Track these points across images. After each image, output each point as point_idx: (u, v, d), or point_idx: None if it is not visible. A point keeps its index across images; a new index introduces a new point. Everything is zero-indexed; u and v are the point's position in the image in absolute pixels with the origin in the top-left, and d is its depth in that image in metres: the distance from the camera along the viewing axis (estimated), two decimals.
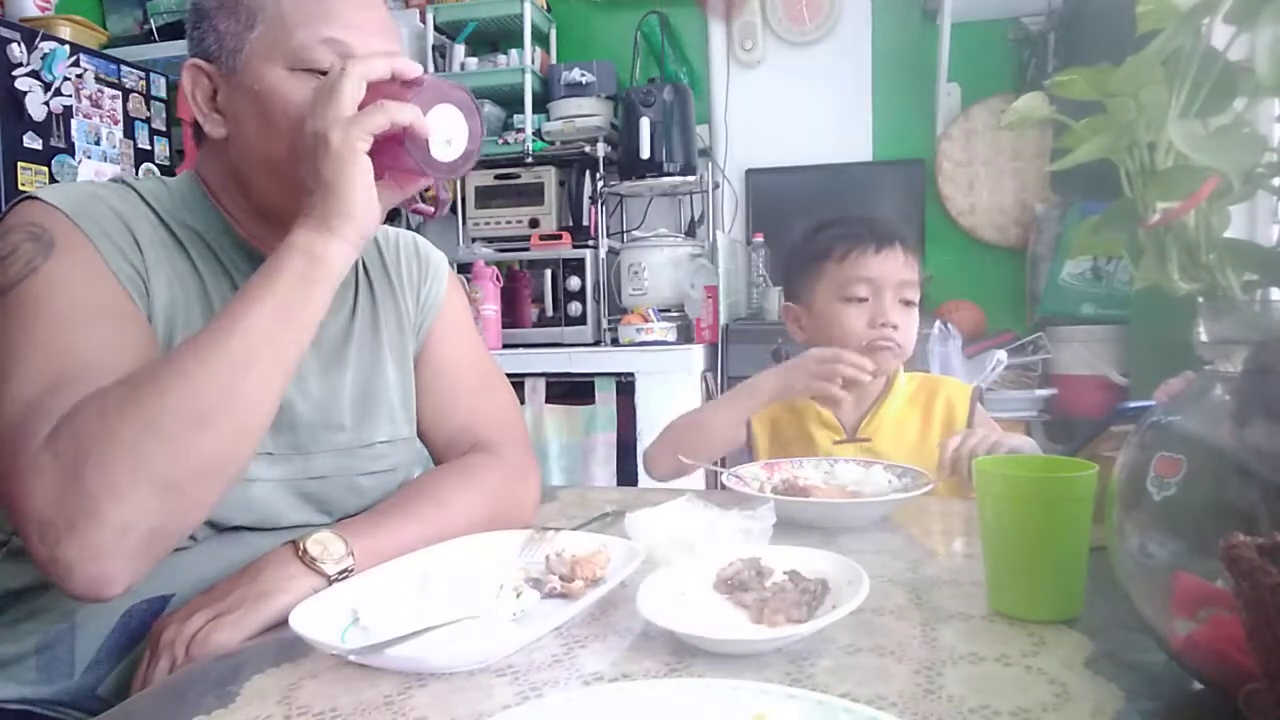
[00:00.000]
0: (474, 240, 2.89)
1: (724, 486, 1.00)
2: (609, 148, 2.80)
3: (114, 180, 0.83)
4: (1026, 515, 0.62)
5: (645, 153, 2.66)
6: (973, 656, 0.56)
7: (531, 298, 2.70)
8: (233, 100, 0.80)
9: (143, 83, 2.76)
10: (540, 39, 2.99)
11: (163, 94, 2.84)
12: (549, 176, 2.84)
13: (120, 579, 0.63)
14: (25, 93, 2.36)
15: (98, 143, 2.59)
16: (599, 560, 0.71)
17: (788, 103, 2.92)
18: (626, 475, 2.44)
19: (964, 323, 2.56)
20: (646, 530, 0.77)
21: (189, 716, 0.52)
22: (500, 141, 2.85)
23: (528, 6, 2.79)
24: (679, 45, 3.01)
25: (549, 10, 3.05)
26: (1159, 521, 0.49)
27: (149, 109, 2.79)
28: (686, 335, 2.61)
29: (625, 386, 2.47)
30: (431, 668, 0.57)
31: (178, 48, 2.97)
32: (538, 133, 2.83)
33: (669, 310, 2.68)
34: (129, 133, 2.71)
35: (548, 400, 2.52)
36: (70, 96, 2.49)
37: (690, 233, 2.93)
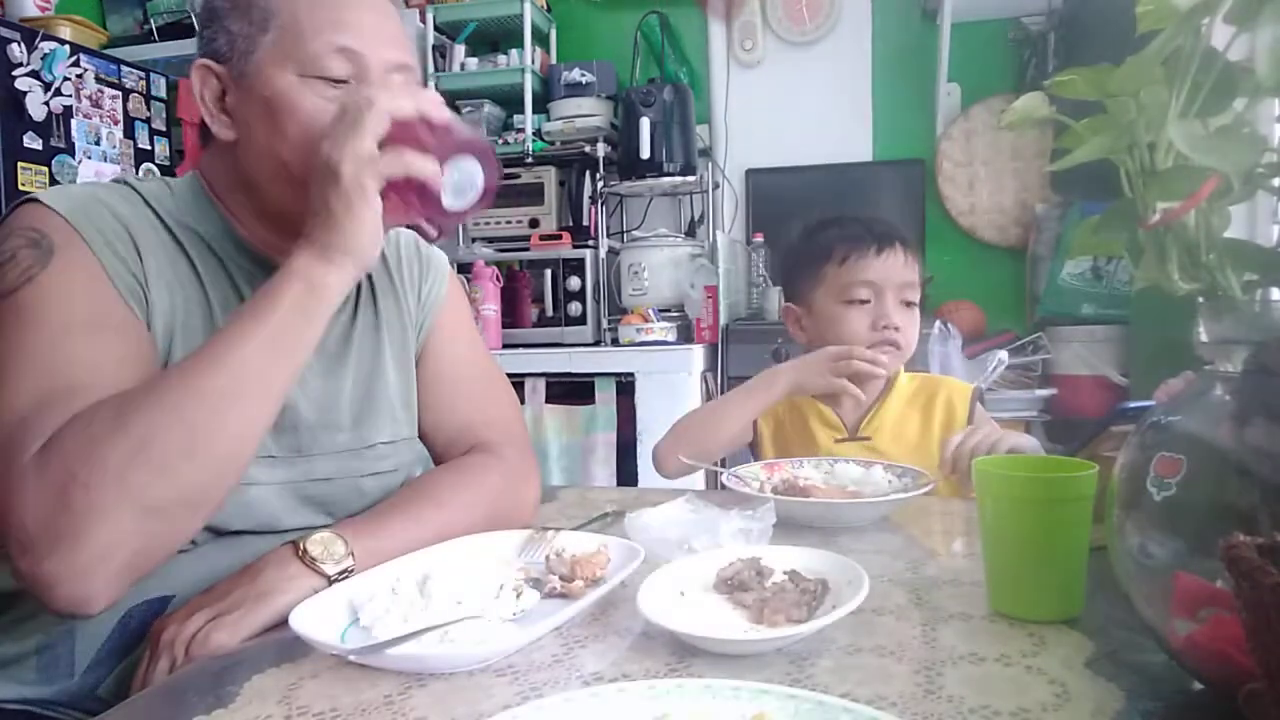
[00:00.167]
0: (474, 240, 2.89)
1: (724, 486, 1.00)
2: (609, 148, 2.80)
3: (116, 181, 0.82)
4: (1026, 515, 0.62)
5: (645, 153, 2.66)
6: (973, 656, 0.56)
7: (531, 298, 2.70)
8: (242, 103, 0.80)
9: (143, 83, 2.76)
10: (540, 39, 2.99)
11: (163, 94, 2.84)
12: (549, 176, 2.84)
13: (100, 598, 0.64)
14: (25, 93, 2.36)
15: (98, 143, 2.59)
16: (599, 560, 0.71)
17: (788, 103, 2.92)
18: (626, 475, 2.44)
19: (964, 323, 2.56)
20: (646, 530, 0.77)
21: (189, 716, 0.52)
22: (500, 141, 2.85)
23: (528, 6, 2.79)
24: (679, 45, 3.01)
25: (549, 10, 3.05)
26: (1159, 521, 0.49)
27: (149, 109, 2.79)
28: (686, 335, 2.61)
29: (625, 386, 2.47)
30: (431, 668, 0.57)
31: (177, 48, 2.97)
32: (538, 133, 2.83)
33: (669, 310, 2.68)
34: (129, 133, 2.71)
35: (548, 400, 2.52)
36: (70, 96, 2.49)
37: (690, 233, 2.93)
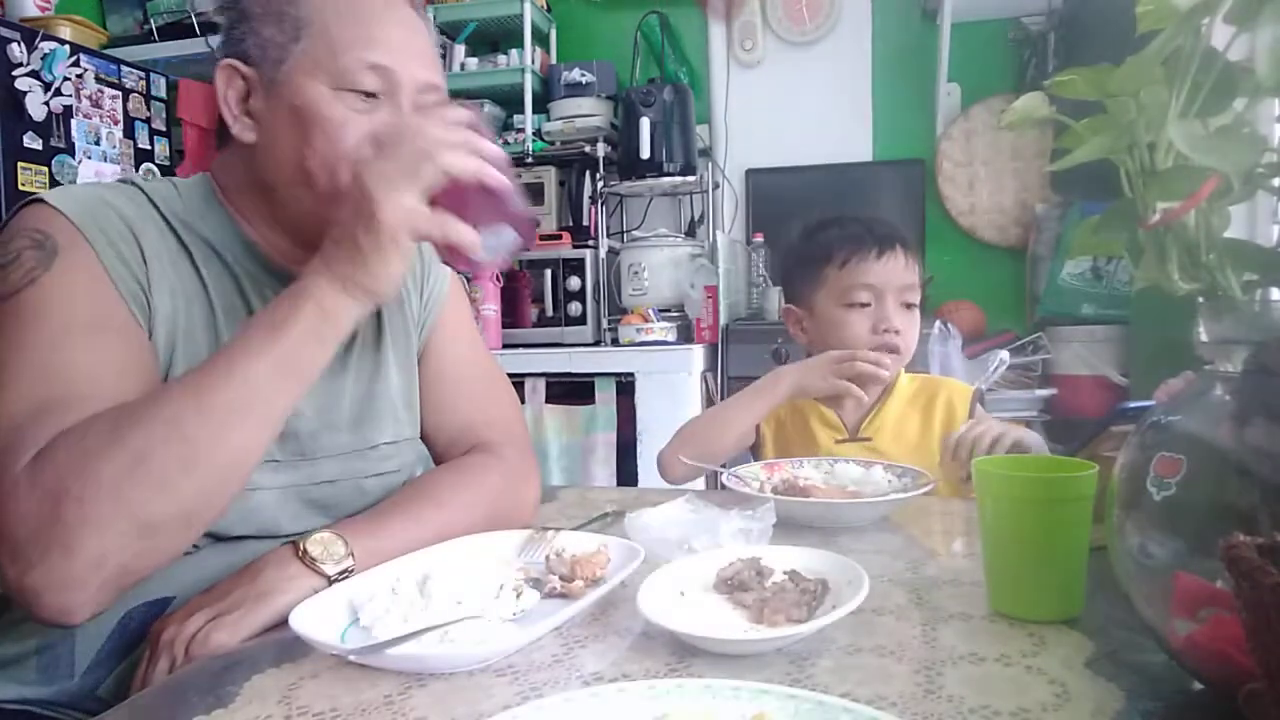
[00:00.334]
0: None
1: (724, 486, 1.00)
2: (609, 148, 2.80)
3: (123, 181, 0.82)
4: (1026, 515, 0.62)
5: (645, 153, 2.66)
6: (973, 656, 0.56)
7: (531, 298, 2.70)
8: (268, 108, 0.80)
9: (143, 83, 2.76)
10: (540, 39, 2.99)
11: (163, 94, 2.84)
12: (549, 176, 2.84)
13: (85, 610, 0.64)
14: (25, 93, 2.36)
15: (98, 143, 2.59)
16: (599, 560, 0.71)
17: (788, 103, 2.92)
18: (626, 475, 2.44)
19: (964, 323, 2.56)
20: (646, 530, 0.77)
21: (189, 716, 0.52)
22: (500, 141, 2.84)
23: (528, 6, 2.79)
24: (679, 45, 3.01)
25: (549, 10, 3.05)
26: (1159, 521, 0.49)
27: (149, 109, 2.79)
28: (686, 335, 2.61)
29: (625, 386, 2.47)
30: (431, 668, 0.57)
31: (177, 48, 2.97)
32: (538, 133, 2.84)
33: (669, 310, 2.68)
34: (129, 133, 2.71)
35: (548, 400, 2.52)
36: (70, 96, 2.49)
37: (690, 233, 2.93)
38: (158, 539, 0.65)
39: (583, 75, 2.84)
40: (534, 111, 2.83)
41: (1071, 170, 0.56)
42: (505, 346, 2.62)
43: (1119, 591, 0.52)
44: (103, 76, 2.62)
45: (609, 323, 2.72)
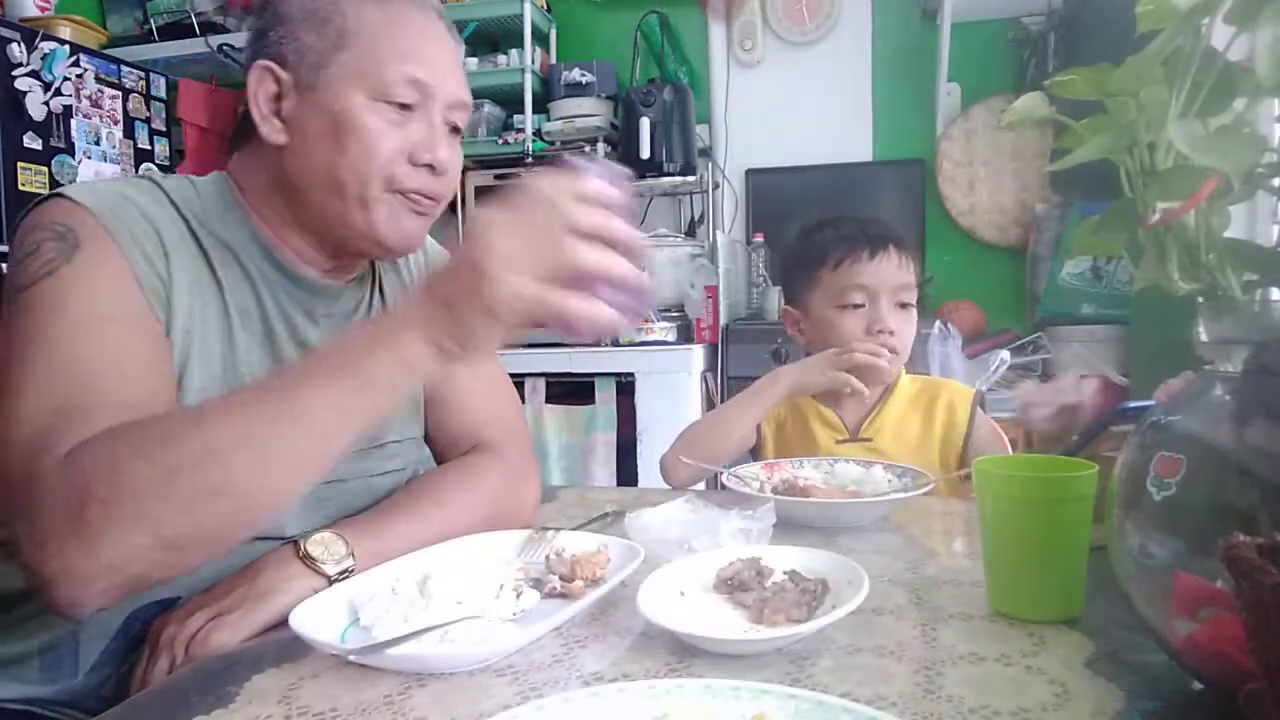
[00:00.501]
0: None
1: (724, 486, 1.00)
2: (609, 148, 2.80)
3: (142, 178, 0.82)
4: (1026, 515, 0.62)
5: (645, 153, 2.66)
6: (973, 656, 0.56)
7: None
8: (303, 112, 0.80)
9: (143, 83, 2.76)
10: (540, 39, 2.99)
11: (162, 94, 2.84)
12: None
13: (93, 606, 0.63)
14: (25, 93, 2.36)
15: (98, 143, 2.59)
16: (599, 560, 0.71)
17: (788, 103, 2.92)
18: (626, 475, 2.44)
19: (964, 323, 2.56)
20: (646, 530, 0.77)
21: (189, 716, 0.52)
22: (500, 141, 2.85)
23: (528, 6, 2.79)
24: (679, 45, 3.01)
25: (549, 10, 3.05)
26: (1159, 521, 0.49)
27: (149, 109, 2.79)
28: (686, 335, 2.61)
29: (625, 386, 2.47)
30: (431, 668, 0.57)
31: (177, 48, 2.97)
32: (538, 133, 2.84)
33: (669, 310, 2.68)
34: (129, 133, 2.71)
35: (548, 400, 2.52)
36: (70, 96, 2.49)
37: (690, 233, 2.93)
38: (174, 555, 0.63)
39: (583, 75, 2.84)
40: (534, 111, 2.83)
41: (1071, 170, 0.56)
42: (505, 346, 2.62)
43: (1119, 591, 0.52)
44: (103, 76, 2.62)
45: None
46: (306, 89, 0.80)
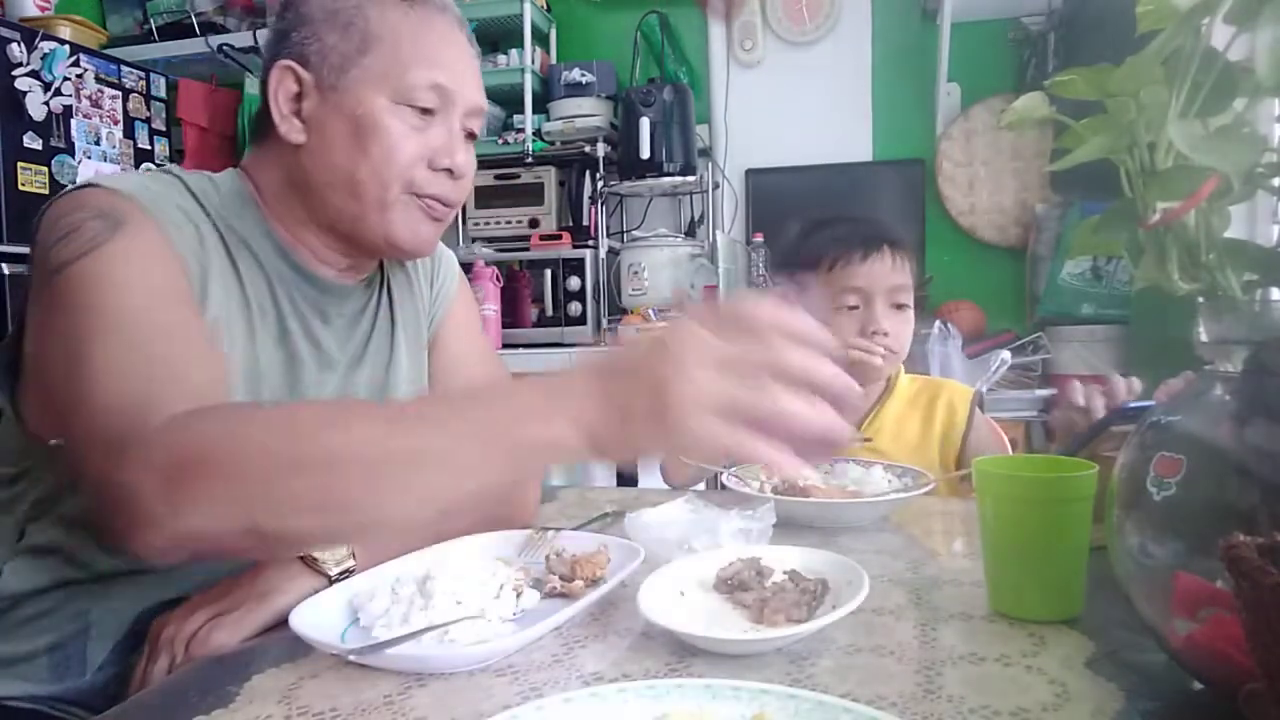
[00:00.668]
0: (474, 240, 2.89)
1: (724, 486, 1.00)
2: (609, 148, 2.80)
3: (164, 171, 0.82)
4: (1026, 515, 0.62)
5: (645, 153, 2.66)
6: (973, 656, 0.56)
7: (531, 298, 2.70)
8: (323, 113, 0.80)
9: (142, 83, 2.76)
10: (540, 39, 2.99)
11: (162, 94, 2.83)
12: (549, 176, 2.84)
13: (166, 560, 0.62)
14: (25, 93, 2.36)
15: (98, 143, 2.59)
16: (599, 560, 0.71)
17: (788, 103, 2.92)
18: (626, 475, 2.44)
19: (964, 323, 2.56)
20: (646, 530, 0.77)
21: (189, 716, 0.52)
22: (500, 141, 2.85)
23: (528, 6, 2.79)
24: (679, 45, 3.01)
25: (549, 10, 3.05)
26: (1159, 521, 0.49)
27: (149, 109, 2.78)
28: None
29: None
30: (431, 668, 0.57)
31: (177, 48, 2.97)
32: (538, 133, 2.83)
33: (669, 310, 2.68)
34: (129, 133, 2.71)
35: None
36: (70, 96, 2.49)
37: (690, 233, 2.93)
38: (256, 543, 0.61)
39: (583, 75, 2.84)
40: (534, 111, 2.83)
41: (1071, 170, 0.56)
42: (505, 346, 2.62)
43: (1119, 591, 0.52)
44: (103, 76, 2.62)
45: (609, 322, 2.72)
46: (328, 90, 0.80)
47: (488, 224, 2.87)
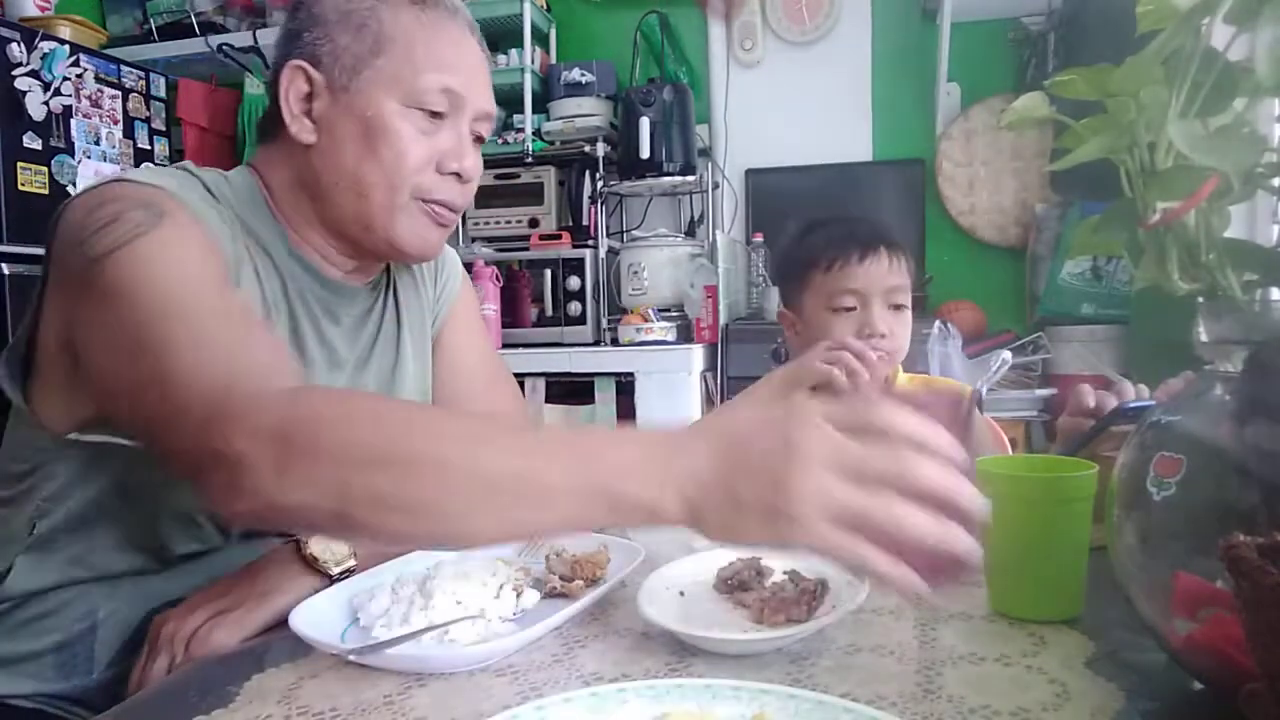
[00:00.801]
0: (474, 240, 2.89)
1: None
2: (609, 148, 2.80)
3: (178, 169, 0.81)
4: (1026, 515, 0.62)
5: (645, 153, 2.66)
6: (973, 656, 0.56)
7: (531, 297, 2.70)
8: (334, 113, 0.81)
9: (142, 83, 2.76)
10: (540, 39, 2.99)
11: (162, 94, 2.83)
12: (549, 176, 2.84)
13: (252, 525, 0.62)
14: (25, 93, 2.36)
15: (97, 142, 2.59)
16: (599, 560, 0.71)
17: (788, 103, 2.92)
18: None
19: (964, 323, 2.55)
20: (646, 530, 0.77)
21: (189, 716, 0.52)
22: (500, 141, 2.85)
23: (528, 6, 2.79)
24: (679, 45, 3.01)
25: (549, 10, 3.04)
26: (1159, 521, 0.49)
27: (149, 109, 2.78)
28: (686, 335, 2.61)
29: (625, 386, 2.47)
30: (431, 668, 0.57)
31: (177, 48, 2.97)
32: (537, 132, 2.83)
33: (669, 310, 2.68)
34: (129, 133, 2.71)
35: (547, 400, 2.52)
36: (70, 96, 2.49)
37: (690, 233, 2.93)
38: (337, 528, 0.60)
39: (582, 75, 2.84)
40: (534, 111, 2.83)
41: (1071, 170, 0.56)
42: (505, 346, 2.62)
43: (1119, 591, 0.52)
44: (102, 76, 2.61)
45: (609, 322, 2.72)
46: (340, 91, 0.80)
47: (487, 224, 2.87)
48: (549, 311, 2.69)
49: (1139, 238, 0.53)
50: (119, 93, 2.67)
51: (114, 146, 2.65)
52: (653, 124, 2.65)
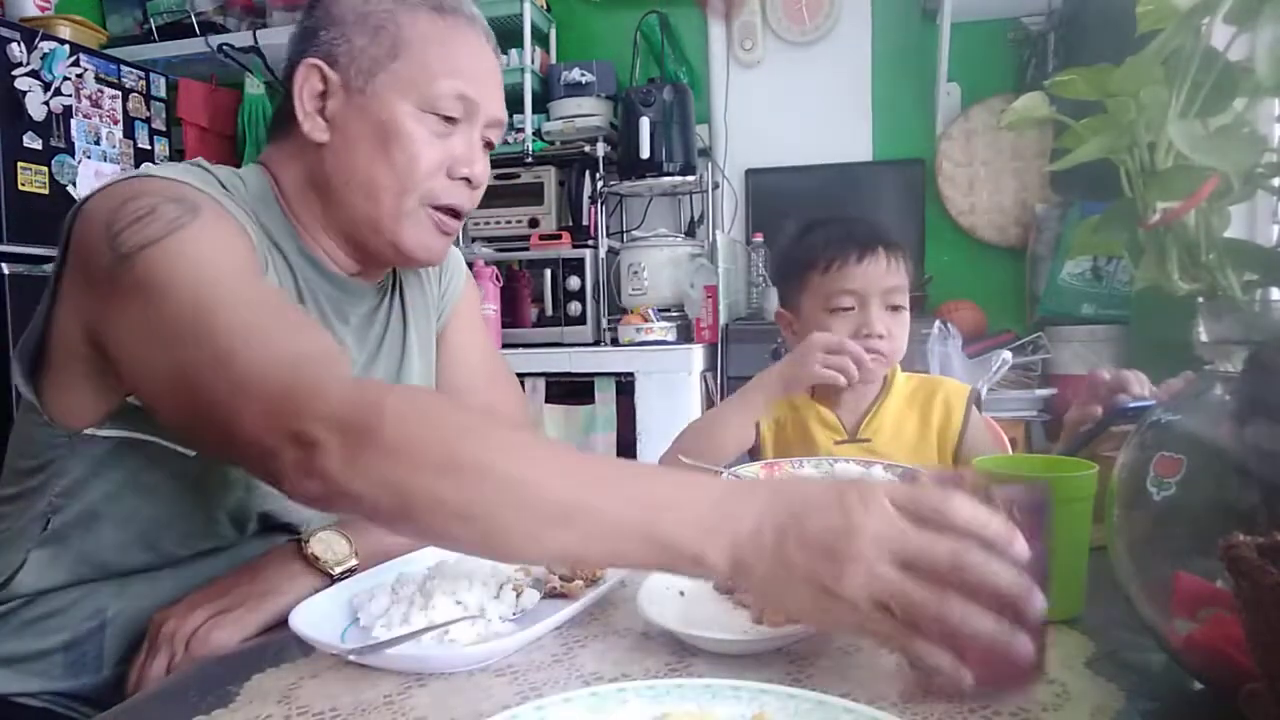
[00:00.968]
0: (474, 240, 2.89)
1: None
2: (609, 148, 2.80)
3: (195, 164, 0.80)
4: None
5: (645, 153, 2.66)
6: None
7: (531, 297, 2.70)
8: (349, 115, 0.81)
9: (142, 83, 2.76)
10: (540, 39, 2.99)
11: (162, 94, 2.83)
12: (549, 176, 2.84)
13: (318, 508, 0.61)
14: (25, 93, 2.36)
15: (97, 142, 2.59)
16: None
17: (788, 103, 2.92)
18: None
19: (964, 323, 2.56)
20: None
21: (189, 716, 0.52)
22: (500, 141, 2.85)
23: (528, 6, 2.79)
24: (679, 45, 3.01)
25: (549, 10, 3.05)
26: (1159, 521, 0.49)
27: (149, 109, 2.78)
28: (686, 335, 2.61)
29: (625, 386, 2.47)
30: (431, 668, 0.57)
31: (177, 48, 2.97)
32: (537, 132, 2.83)
33: (669, 310, 2.68)
34: (129, 133, 2.71)
35: (547, 400, 2.52)
36: (70, 96, 2.49)
37: (690, 233, 2.93)
38: (406, 526, 0.60)
39: (582, 75, 2.84)
40: (534, 111, 2.83)
41: (1071, 170, 0.56)
42: (505, 346, 2.62)
43: (1119, 591, 0.52)
44: (102, 76, 2.61)
45: (609, 322, 2.72)
46: (355, 92, 0.81)
47: (487, 224, 2.87)
48: (549, 311, 2.69)
49: (1139, 238, 0.53)
50: (119, 93, 2.67)
51: (114, 146, 2.65)
52: (653, 124, 2.65)
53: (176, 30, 3.00)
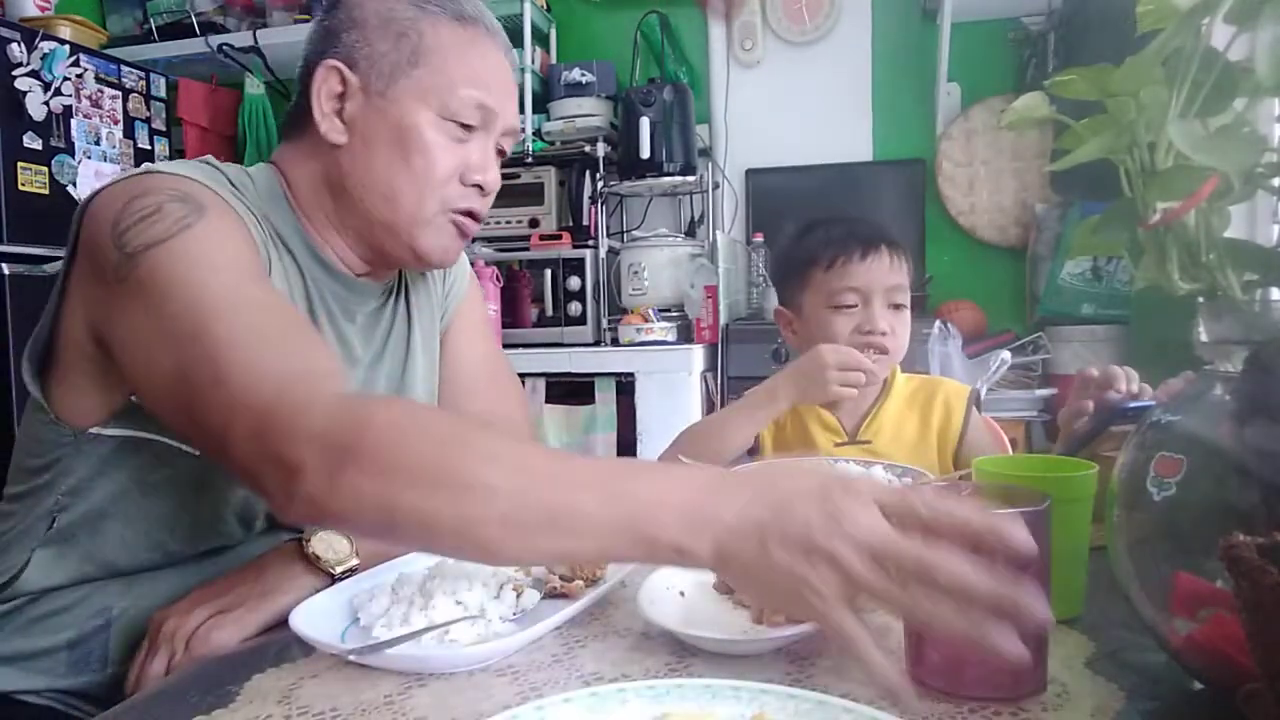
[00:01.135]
0: (474, 240, 2.88)
1: None
2: (609, 148, 2.80)
3: (203, 162, 0.80)
4: None
5: (645, 153, 2.66)
6: None
7: (531, 298, 2.70)
8: (368, 118, 0.81)
9: (143, 83, 2.76)
10: (540, 39, 2.99)
11: (162, 94, 2.83)
12: (549, 176, 2.84)
13: (310, 525, 0.62)
14: (25, 93, 2.36)
15: (98, 142, 2.59)
16: None
17: (788, 103, 2.92)
18: None
19: (964, 323, 2.56)
20: None
21: (189, 716, 0.52)
22: None
23: (528, 6, 2.79)
24: (679, 45, 3.01)
25: (549, 10, 3.05)
26: (1159, 521, 0.49)
27: (149, 109, 2.78)
28: (686, 335, 2.61)
29: (625, 386, 2.47)
30: (431, 668, 0.57)
31: (177, 48, 2.97)
32: (538, 132, 2.83)
33: (669, 310, 2.68)
34: (129, 133, 2.71)
35: (548, 400, 2.52)
36: (70, 96, 2.49)
37: (690, 233, 2.93)
38: (396, 540, 0.60)
39: (583, 75, 2.84)
40: (534, 111, 2.83)
41: (1071, 170, 0.56)
42: (505, 346, 2.61)
43: (1119, 591, 0.52)
44: (103, 76, 2.61)
45: (609, 323, 2.72)
46: (375, 96, 0.81)
47: (488, 224, 2.87)
48: (549, 311, 2.69)
49: (1139, 238, 0.53)
50: (119, 93, 2.67)
51: (114, 146, 2.65)
52: (653, 124, 2.65)
53: (176, 30, 3.00)
